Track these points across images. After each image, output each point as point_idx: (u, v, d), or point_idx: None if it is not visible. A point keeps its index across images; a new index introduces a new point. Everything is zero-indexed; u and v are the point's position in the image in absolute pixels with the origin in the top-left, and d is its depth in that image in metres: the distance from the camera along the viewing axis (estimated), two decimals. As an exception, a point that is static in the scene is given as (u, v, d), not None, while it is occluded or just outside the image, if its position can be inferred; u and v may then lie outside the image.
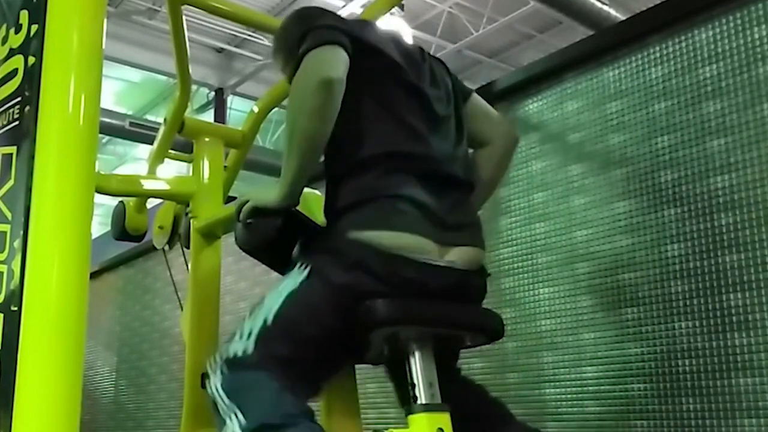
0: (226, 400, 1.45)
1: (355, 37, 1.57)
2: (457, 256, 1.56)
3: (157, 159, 2.61)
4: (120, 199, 2.82)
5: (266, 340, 1.50)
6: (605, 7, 8.84)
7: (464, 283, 1.58)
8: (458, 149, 1.69)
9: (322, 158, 1.63)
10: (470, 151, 1.82)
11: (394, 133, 1.58)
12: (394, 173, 1.55)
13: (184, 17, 2.31)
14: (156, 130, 2.70)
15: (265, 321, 1.51)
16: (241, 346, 1.50)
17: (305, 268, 1.53)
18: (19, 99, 1.71)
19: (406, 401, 1.52)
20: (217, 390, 1.49)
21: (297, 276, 1.54)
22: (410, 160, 1.57)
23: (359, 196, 1.54)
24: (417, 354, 1.53)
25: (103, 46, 1.70)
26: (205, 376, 1.56)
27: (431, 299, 1.52)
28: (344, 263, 1.49)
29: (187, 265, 2.50)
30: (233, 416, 1.42)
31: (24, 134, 1.67)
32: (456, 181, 1.63)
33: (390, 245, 1.48)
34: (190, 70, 2.43)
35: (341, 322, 1.49)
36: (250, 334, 1.51)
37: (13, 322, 1.57)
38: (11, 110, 1.74)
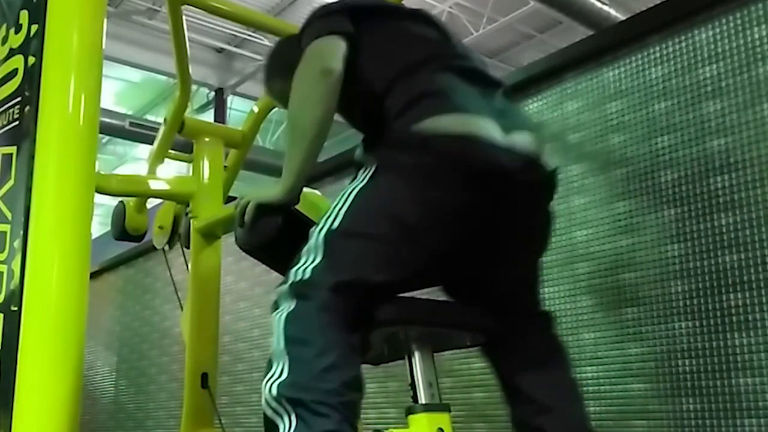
0: (282, 343, 1.36)
1: (360, 6, 1.62)
2: (520, 139, 1.47)
3: (157, 159, 2.61)
4: (120, 199, 2.82)
5: (334, 246, 1.41)
6: (605, 7, 8.84)
7: (535, 165, 1.48)
8: (476, 56, 1.69)
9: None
10: None
11: (420, 46, 1.59)
12: (437, 72, 1.52)
13: (184, 17, 2.31)
14: (156, 130, 2.70)
15: (330, 228, 1.43)
16: (310, 264, 1.41)
17: (370, 167, 1.48)
18: (19, 99, 1.71)
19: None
20: (279, 323, 1.39)
21: (362, 178, 1.47)
22: (447, 58, 1.57)
23: (410, 95, 1.48)
24: (417, 354, 1.53)
25: (103, 46, 1.70)
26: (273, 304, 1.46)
27: (505, 181, 1.43)
28: (411, 148, 1.42)
29: (187, 265, 2.50)
30: (280, 366, 1.34)
31: (24, 134, 1.67)
32: (492, 80, 1.60)
33: (454, 126, 1.41)
34: (190, 70, 2.43)
35: (416, 215, 1.40)
36: (317, 247, 1.42)
37: (13, 322, 1.57)
38: (11, 110, 1.74)
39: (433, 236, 1.43)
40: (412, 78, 1.51)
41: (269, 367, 1.37)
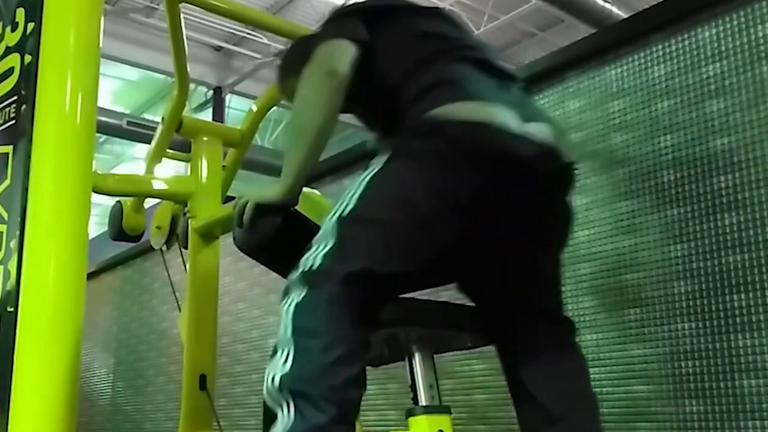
0: (290, 332, 1.34)
1: (374, 7, 1.61)
2: (536, 129, 1.45)
3: (155, 158, 2.60)
4: (117, 198, 2.81)
5: (347, 232, 1.39)
6: (607, 5, 8.85)
7: (552, 155, 1.46)
8: (492, 49, 1.68)
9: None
10: None
11: (437, 38, 1.59)
12: (454, 62, 1.52)
13: (182, 15, 2.30)
14: (154, 129, 2.69)
15: (342, 213, 1.41)
16: (322, 250, 1.38)
17: (384, 154, 1.46)
18: (15, 98, 1.70)
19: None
20: (288, 311, 1.37)
21: (377, 162, 1.45)
22: (463, 49, 1.56)
23: (426, 83, 1.47)
24: (417, 356, 1.52)
25: (101, 44, 1.69)
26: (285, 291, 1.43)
27: (518, 172, 1.40)
28: (426, 134, 1.41)
29: (185, 266, 2.48)
30: (285, 354, 1.32)
31: (20, 133, 1.66)
32: (506, 72, 1.59)
33: (470, 113, 1.40)
34: (188, 69, 2.42)
35: (430, 202, 1.39)
36: (329, 233, 1.39)
37: (10, 323, 1.56)
38: (7, 109, 1.73)
39: (445, 224, 1.41)
40: (427, 68, 1.50)
41: (274, 353, 1.35)
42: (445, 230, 1.42)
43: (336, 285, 1.35)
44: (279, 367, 1.31)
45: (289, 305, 1.38)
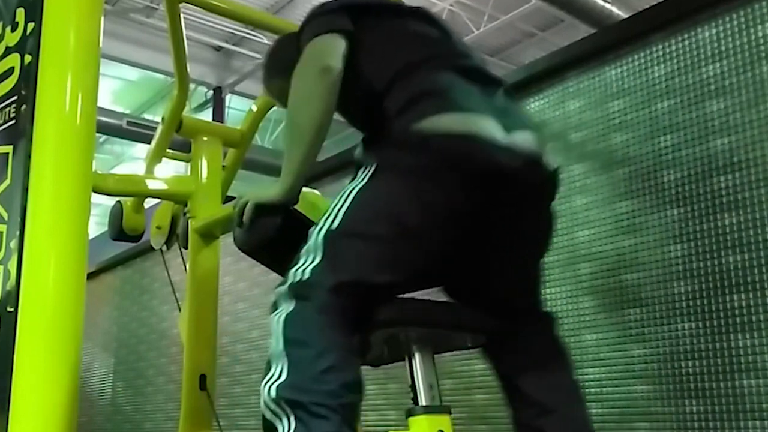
0: (281, 345, 1.35)
1: (359, 4, 1.60)
2: (521, 138, 1.46)
3: (155, 158, 2.60)
4: (117, 198, 2.81)
5: (334, 247, 1.40)
6: (607, 5, 8.84)
7: (537, 165, 1.47)
8: (476, 55, 1.68)
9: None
10: None
11: (421, 43, 1.58)
12: (437, 71, 1.51)
13: (182, 15, 2.30)
14: (154, 129, 2.68)
15: (329, 228, 1.42)
16: (309, 264, 1.40)
17: (369, 167, 1.46)
18: (15, 98, 1.70)
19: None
20: (279, 324, 1.38)
21: (361, 178, 1.46)
22: (447, 58, 1.56)
23: (410, 94, 1.47)
24: (417, 355, 1.51)
25: (101, 44, 1.69)
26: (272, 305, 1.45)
27: (504, 185, 1.42)
28: (411, 148, 1.41)
29: (185, 266, 2.48)
30: (279, 367, 1.33)
31: (20, 133, 1.65)
32: (492, 78, 1.59)
33: (455, 126, 1.40)
34: (188, 69, 2.41)
35: (416, 217, 1.39)
36: (316, 248, 1.41)
37: (10, 323, 1.56)
38: (7, 109, 1.73)
39: (432, 237, 1.42)
40: (411, 77, 1.50)
41: (268, 368, 1.35)
42: (432, 242, 1.43)
43: (325, 295, 1.37)
44: (274, 380, 1.32)
45: (279, 318, 1.39)
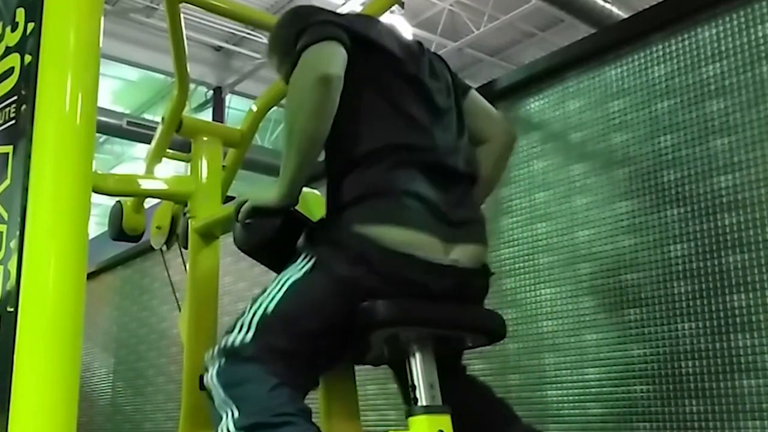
0: (222, 393, 1.43)
1: (354, 31, 1.56)
2: (460, 254, 1.53)
3: (155, 158, 2.60)
4: (117, 198, 2.80)
5: (265, 330, 1.47)
6: (607, 5, 8.85)
7: (467, 283, 1.56)
8: (460, 141, 1.68)
9: (322, 156, 1.62)
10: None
11: (396, 126, 1.57)
12: (398, 167, 1.53)
13: (182, 15, 2.29)
14: (154, 129, 2.68)
15: (265, 311, 1.49)
16: (240, 336, 1.48)
17: (309, 259, 1.51)
18: (15, 98, 1.70)
19: (410, 401, 1.50)
20: (213, 380, 1.47)
21: (300, 267, 1.52)
22: (414, 152, 1.56)
23: (364, 190, 1.52)
24: (417, 355, 1.52)
25: (101, 45, 1.69)
26: (203, 370, 1.54)
27: (432, 300, 1.50)
28: (348, 257, 1.48)
29: (185, 266, 2.48)
30: (228, 411, 1.40)
31: (20, 133, 1.65)
32: (459, 174, 1.62)
33: (394, 242, 1.46)
34: (188, 69, 2.41)
35: (343, 317, 1.47)
36: (250, 325, 1.49)
37: (9, 324, 1.56)
38: (7, 109, 1.72)
39: (361, 339, 1.53)
40: (371, 167, 1.53)
41: (218, 420, 1.42)
42: (357, 341, 1.54)
43: (253, 350, 1.45)
44: (228, 420, 1.39)
45: (212, 376, 1.47)
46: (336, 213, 1.56)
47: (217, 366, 1.48)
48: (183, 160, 2.70)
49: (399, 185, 1.51)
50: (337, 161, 1.60)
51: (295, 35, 1.55)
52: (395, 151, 1.54)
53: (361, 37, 1.58)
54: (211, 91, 12.15)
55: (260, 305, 1.50)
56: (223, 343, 1.50)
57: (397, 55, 1.63)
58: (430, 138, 1.59)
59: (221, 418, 1.41)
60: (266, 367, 1.43)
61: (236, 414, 1.38)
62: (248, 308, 1.52)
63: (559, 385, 2.13)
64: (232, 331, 1.51)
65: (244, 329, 1.49)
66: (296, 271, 1.52)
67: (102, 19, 1.70)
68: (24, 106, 1.65)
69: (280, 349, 1.45)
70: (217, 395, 1.44)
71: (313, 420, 1.41)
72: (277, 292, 1.50)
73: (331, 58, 1.47)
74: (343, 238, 1.49)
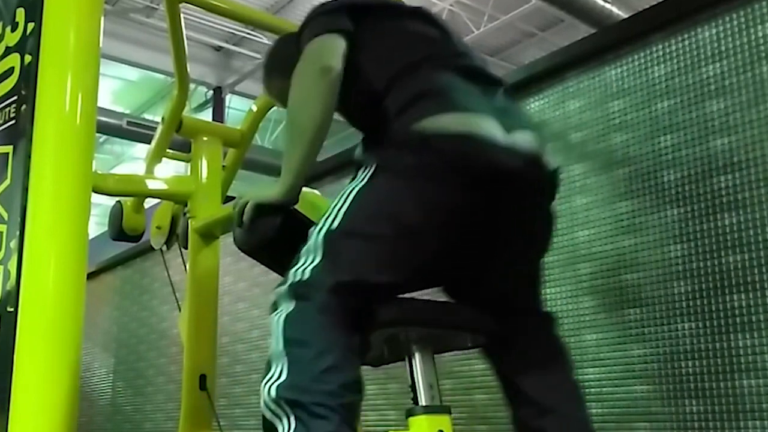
0: (281, 344, 1.35)
1: (356, 4, 1.60)
2: (521, 138, 1.46)
3: (155, 158, 2.60)
4: (117, 198, 2.80)
5: (333, 247, 1.40)
6: (607, 5, 8.85)
7: (536, 163, 1.47)
8: (476, 54, 1.67)
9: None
10: None
11: (418, 43, 1.58)
12: (435, 70, 1.51)
13: (182, 15, 2.30)
14: (154, 129, 2.68)
15: (329, 228, 1.42)
16: (308, 263, 1.40)
17: (368, 168, 1.46)
18: (15, 98, 1.70)
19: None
20: (278, 324, 1.38)
21: (362, 178, 1.46)
22: (447, 58, 1.56)
23: (409, 94, 1.47)
24: (417, 355, 1.51)
25: (101, 44, 1.69)
26: (271, 306, 1.45)
27: (504, 185, 1.42)
28: (412, 149, 1.41)
29: (185, 266, 2.48)
30: (279, 368, 1.33)
31: (20, 133, 1.65)
32: (492, 77, 1.59)
33: (455, 124, 1.40)
34: (188, 69, 2.41)
35: (415, 211, 1.39)
36: (316, 248, 1.41)
37: (10, 323, 1.56)
38: (7, 109, 1.73)
39: (433, 237, 1.42)
40: (411, 77, 1.50)
41: (268, 368, 1.36)
42: (432, 242, 1.42)
43: (325, 295, 1.37)
44: (274, 380, 1.33)
45: (279, 318, 1.39)
46: (387, 124, 1.48)
47: (289, 309, 1.38)
48: (183, 160, 2.71)
49: (444, 83, 1.48)
50: (372, 95, 1.53)
51: (296, 40, 1.59)
52: (429, 60, 1.53)
53: (367, 5, 1.62)
54: (211, 91, 12.14)
55: (323, 226, 1.43)
56: (293, 276, 1.41)
57: (399, 4, 1.68)
58: (454, 47, 1.61)
59: (270, 368, 1.35)
60: (332, 323, 1.35)
61: (284, 377, 1.32)
62: (311, 233, 1.45)
63: (559, 385, 2.13)
64: (299, 261, 1.43)
65: (311, 254, 1.41)
66: (358, 182, 1.45)
67: (102, 19, 1.70)
68: (24, 106, 1.66)
69: (347, 282, 1.37)
70: (276, 342, 1.37)
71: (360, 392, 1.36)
72: (341, 207, 1.43)
73: (331, 51, 1.50)
74: (402, 137, 1.43)
